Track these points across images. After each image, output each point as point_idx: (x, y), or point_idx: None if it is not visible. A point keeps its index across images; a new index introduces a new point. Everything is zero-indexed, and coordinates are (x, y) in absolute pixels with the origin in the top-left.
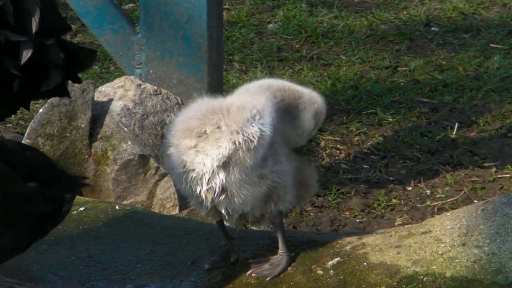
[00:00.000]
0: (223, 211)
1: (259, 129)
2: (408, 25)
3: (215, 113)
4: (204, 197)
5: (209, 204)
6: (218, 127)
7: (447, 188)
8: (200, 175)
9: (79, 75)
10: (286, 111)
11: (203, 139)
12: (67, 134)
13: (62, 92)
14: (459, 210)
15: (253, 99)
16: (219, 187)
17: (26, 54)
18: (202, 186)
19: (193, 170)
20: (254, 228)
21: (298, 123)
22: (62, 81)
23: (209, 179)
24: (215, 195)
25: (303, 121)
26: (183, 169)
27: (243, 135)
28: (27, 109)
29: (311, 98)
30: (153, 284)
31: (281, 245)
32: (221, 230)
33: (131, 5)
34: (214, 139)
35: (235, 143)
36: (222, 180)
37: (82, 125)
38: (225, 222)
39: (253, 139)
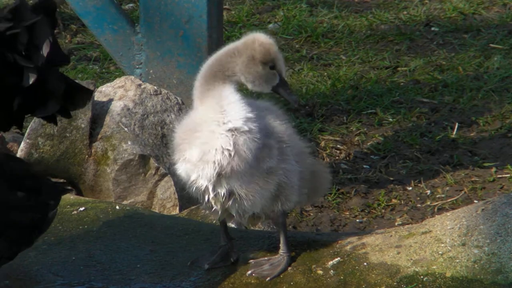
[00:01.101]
0: (234, 213)
1: (243, 122)
2: (408, 25)
3: (196, 130)
4: (213, 202)
5: (219, 208)
6: (203, 143)
7: (447, 188)
8: (203, 187)
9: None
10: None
11: (193, 156)
12: (67, 134)
13: (52, 120)
14: (459, 210)
15: (220, 100)
16: (225, 193)
17: (30, 79)
18: (209, 194)
19: (195, 182)
20: (254, 228)
21: (242, 73)
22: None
23: (213, 187)
24: (224, 199)
25: (241, 70)
26: (187, 180)
27: (230, 138)
28: (20, 128)
29: (245, 44)
30: (153, 284)
31: (282, 245)
32: (223, 230)
33: (131, 5)
34: (203, 154)
35: (223, 152)
36: (226, 187)
37: (82, 125)
38: (229, 224)
39: (242, 134)
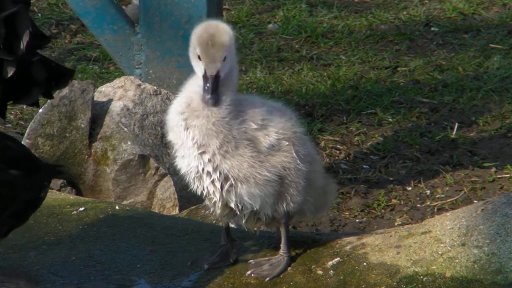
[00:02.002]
0: (232, 205)
1: (196, 86)
2: (408, 25)
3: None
4: (211, 192)
5: (218, 198)
6: (170, 116)
7: (447, 188)
8: (199, 174)
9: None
10: None
11: (177, 149)
12: (67, 134)
13: (35, 104)
14: (459, 210)
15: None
16: (218, 176)
17: (10, 71)
18: (205, 181)
19: (189, 167)
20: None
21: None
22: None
23: (207, 172)
24: (220, 184)
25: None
26: (184, 174)
27: (187, 98)
28: (3, 118)
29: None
30: (153, 284)
31: (283, 245)
32: (224, 229)
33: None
34: (173, 125)
35: (184, 112)
36: (216, 163)
37: (82, 125)
38: (232, 225)
39: (197, 92)
